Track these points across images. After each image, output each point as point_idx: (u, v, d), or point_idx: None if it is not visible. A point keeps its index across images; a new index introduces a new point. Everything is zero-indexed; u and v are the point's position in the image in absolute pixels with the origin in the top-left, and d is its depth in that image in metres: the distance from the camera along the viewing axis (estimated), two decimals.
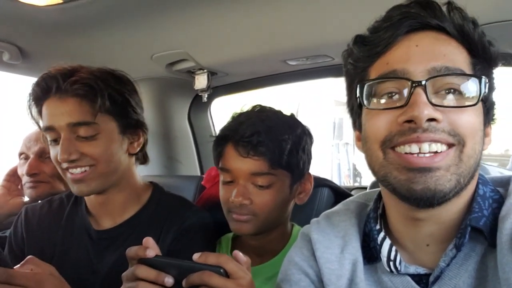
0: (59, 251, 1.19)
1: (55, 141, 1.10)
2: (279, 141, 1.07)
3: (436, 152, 0.65)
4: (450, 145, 0.66)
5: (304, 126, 1.18)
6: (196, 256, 0.80)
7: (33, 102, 1.14)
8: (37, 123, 1.16)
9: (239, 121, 1.13)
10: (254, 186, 1.08)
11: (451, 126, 0.65)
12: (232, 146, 1.10)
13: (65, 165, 1.09)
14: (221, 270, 0.78)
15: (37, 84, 1.12)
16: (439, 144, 0.65)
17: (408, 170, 0.66)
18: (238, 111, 1.19)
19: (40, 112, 1.13)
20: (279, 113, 1.17)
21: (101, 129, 1.11)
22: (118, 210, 1.19)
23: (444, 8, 0.70)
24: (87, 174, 1.09)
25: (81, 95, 1.08)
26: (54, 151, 1.11)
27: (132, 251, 0.83)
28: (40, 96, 1.12)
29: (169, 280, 0.79)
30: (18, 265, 0.90)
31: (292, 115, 1.20)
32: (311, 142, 1.18)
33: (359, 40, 0.75)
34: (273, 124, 1.10)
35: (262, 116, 1.12)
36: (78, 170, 1.09)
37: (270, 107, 1.19)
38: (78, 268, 1.14)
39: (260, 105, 1.19)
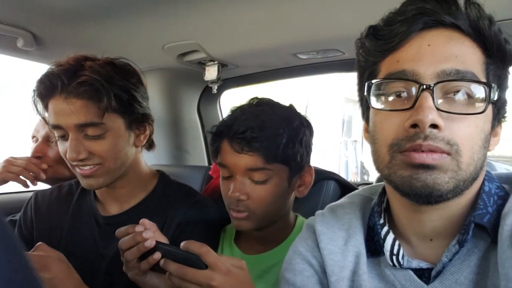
0: (67, 235, 1.21)
1: (63, 137, 1.12)
2: (273, 135, 1.07)
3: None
4: (446, 153, 0.66)
5: (302, 118, 1.17)
6: (182, 244, 0.85)
7: (38, 98, 1.14)
8: (43, 118, 1.16)
9: (234, 116, 1.13)
10: (251, 181, 1.08)
11: (451, 136, 0.65)
12: (227, 142, 1.10)
13: (74, 162, 1.11)
14: (201, 260, 0.82)
15: (41, 82, 1.11)
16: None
17: (411, 167, 0.66)
18: (237, 105, 1.18)
19: (46, 107, 1.14)
20: (276, 106, 1.16)
21: (108, 128, 1.11)
22: (125, 197, 1.21)
23: (461, 2, 0.69)
24: (95, 170, 1.11)
25: (87, 97, 1.08)
26: (63, 147, 1.12)
27: (122, 233, 0.92)
28: (44, 94, 1.11)
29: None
30: (29, 252, 0.92)
31: (290, 107, 1.19)
32: (311, 134, 1.17)
33: (371, 32, 0.74)
34: (268, 118, 1.09)
35: (256, 111, 1.11)
36: (87, 167, 1.11)
37: (267, 100, 1.18)
38: (85, 253, 1.16)
39: (257, 98, 1.18)
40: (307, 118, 1.19)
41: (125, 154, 1.16)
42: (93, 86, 1.08)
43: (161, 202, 1.21)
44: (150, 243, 0.86)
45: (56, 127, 1.11)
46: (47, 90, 1.10)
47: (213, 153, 1.17)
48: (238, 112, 1.14)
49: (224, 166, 1.12)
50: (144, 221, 0.92)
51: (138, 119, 1.18)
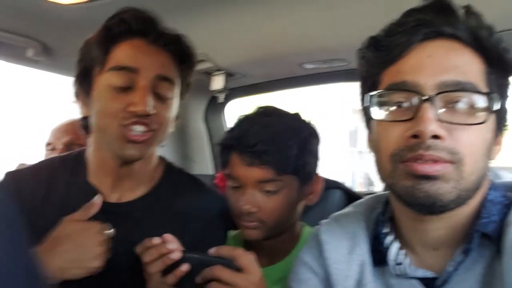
0: (53, 218, 1.01)
1: (125, 89, 0.96)
2: (284, 147, 1.06)
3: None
4: (449, 162, 0.66)
5: (310, 127, 1.17)
6: (212, 250, 0.85)
7: (111, 36, 0.99)
8: (102, 61, 0.98)
9: (243, 128, 1.11)
10: (262, 193, 1.08)
11: (454, 145, 0.66)
12: (237, 155, 1.09)
13: (130, 119, 0.95)
14: (234, 264, 0.81)
15: (134, 17, 0.99)
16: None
17: (414, 177, 0.67)
18: (243, 115, 1.17)
19: (111, 48, 0.98)
20: (284, 115, 1.16)
21: (175, 92, 1.03)
22: (132, 184, 1.07)
23: (461, 12, 0.70)
24: (148, 136, 0.98)
25: (173, 53, 1.02)
26: (120, 102, 0.95)
27: (142, 247, 0.88)
28: (132, 30, 0.98)
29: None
30: None
31: (297, 116, 1.18)
32: (318, 142, 1.17)
33: (372, 43, 0.75)
34: (278, 130, 1.08)
35: (265, 122, 1.10)
36: (141, 128, 0.96)
37: (274, 108, 1.17)
38: None
39: (264, 107, 1.17)
40: (314, 127, 1.18)
41: (170, 128, 1.06)
42: (185, 46, 1.05)
43: (172, 198, 1.08)
44: (177, 255, 0.84)
45: (126, 68, 0.96)
46: (136, 28, 0.98)
47: (222, 165, 1.15)
48: (247, 124, 1.12)
49: (233, 178, 1.10)
50: (167, 236, 0.87)
51: (184, 92, 1.10)
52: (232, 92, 1.92)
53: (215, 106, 2.09)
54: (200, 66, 1.70)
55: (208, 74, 1.77)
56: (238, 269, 0.82)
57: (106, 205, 1.02)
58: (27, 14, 1.34)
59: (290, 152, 1.07)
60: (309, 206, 1.19)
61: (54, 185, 1.07)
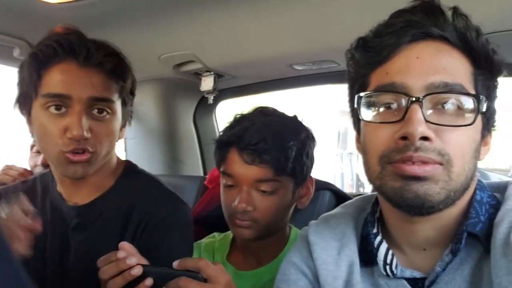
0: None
1: (59, 109, 0.96)
2: (285, 148, 1.07)
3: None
4: (438, 163, 0.66)
5: (307, 130, 1.17)
6: (175, 263, 0.83)
7: (39, 62, 0.98)
8: (34, 87, 0.98)
9: (243, 126, 1.10)
10: (258, 192, 1.08)
11: (442, 146, 0.66)
12: (236, 152, 1.08)
13: (69, 146, 0.96)
14: (200, 275, 0.80)
15: (59, 42, 0.97)
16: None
17: (402, 178, 0.67)
18: (239, 113, 1.17)
19: (41, 74, 0.97)
20: (283, 116, 1.16)
21: (114, 109, 1.01)
22: (90, 187, 1.06)
23: (449, 13, 0.70)
24: (90, 157, 0.98)
25: (108, 72, 1.00)
26: (56, 126, 0.96)
27: (104, 261, 0.85)
28: (53, 56, 0.97)
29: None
30: None
31: (295, 118, 1.19)
32: (314, 146, 1.18)
33: (361, 44, 0.75)
34: (279, 130, 1.09)
35: (266, 121, 1.10)
36: (81, 151, 0.97)
37: (273, 109, 1.17)
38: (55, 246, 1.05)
39: (262, 107, 1.17)
40: (311, 130, 1.19)
41: (114, 142, 1.06)
42: (119, 62, 1.03)
43: (119, 197, 1.06)
44: (138, 271, 0.80)
45: (58, 96, 0.96)
46: (64, 53, 0.97)
47: (217, 161, 1.15)
48: (247, 122, 1.11)
49: (229, 175, 1.10)
50: (124, 245, 0.85)
51: (129, 108, 1.09)
52: (222, 93, 1.92)
53: (205, 107, 2.09)
54: (190, 67, 1.70)
55: (198, 75, 1.77)
56: (205, 280, 0.81)
57: (67, 208, 1.06)
58: (14, 13, 1.33)
59: (290, 153, 1.07)
60: (299, 207, 1.19)
61: (35, 198, 1.10)
